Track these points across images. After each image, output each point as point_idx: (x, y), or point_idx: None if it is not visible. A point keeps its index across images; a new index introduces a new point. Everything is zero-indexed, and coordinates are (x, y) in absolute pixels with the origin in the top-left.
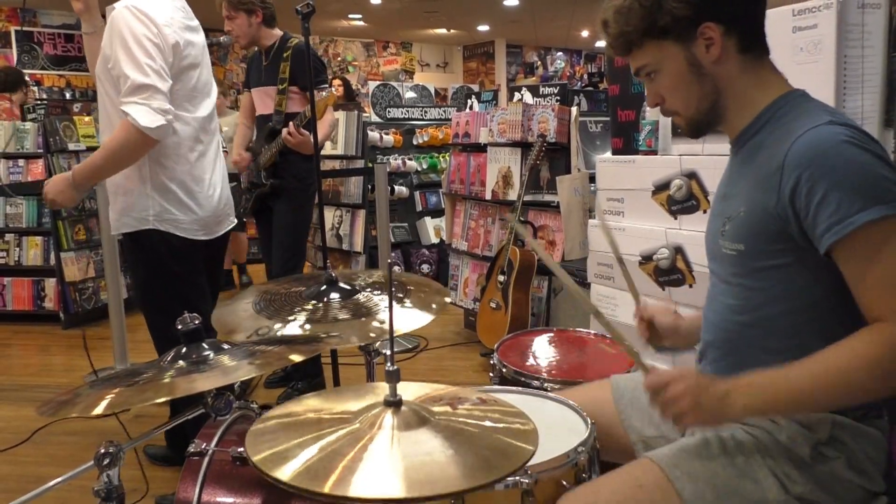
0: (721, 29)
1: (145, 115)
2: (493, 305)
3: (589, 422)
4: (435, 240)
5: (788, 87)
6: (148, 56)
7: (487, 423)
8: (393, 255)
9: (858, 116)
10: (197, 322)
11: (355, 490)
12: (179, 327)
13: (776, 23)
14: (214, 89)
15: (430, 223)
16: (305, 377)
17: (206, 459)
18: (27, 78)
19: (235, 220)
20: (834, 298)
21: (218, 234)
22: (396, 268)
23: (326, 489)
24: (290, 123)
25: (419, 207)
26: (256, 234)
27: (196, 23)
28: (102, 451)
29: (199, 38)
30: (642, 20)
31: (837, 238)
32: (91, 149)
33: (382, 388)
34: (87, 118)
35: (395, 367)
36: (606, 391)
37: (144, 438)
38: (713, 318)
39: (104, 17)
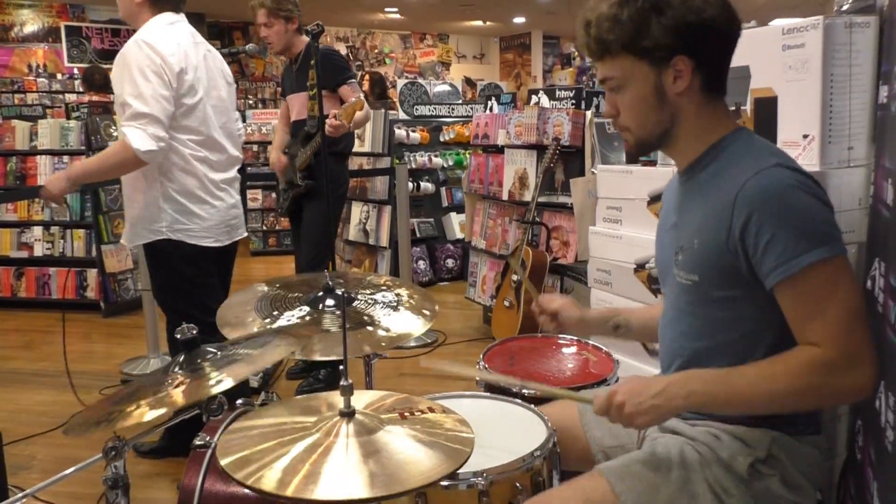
0: (692, 64)
1: (140, 139)
2: (506, 304)
3: (549, 427)
4: (460, 235)
5: (736, 125)
6: (150, 86)
7: (432, 431)
8: (418, 249)
9: (846, 134)
10: (194, 332)
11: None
12: (178, 336)
13: (767, 41)
14: (228, 104)
15: (455, 219)
16: (327, 365)
17: (210, 451)
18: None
19: (245, 233)
20: (776, 325)
21: (227, 244)
22: (422, 262)
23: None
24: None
25: (445, 203)
26: (290, 229)
27: (202, 41)
28: (110, 444)
29: (205, 57)
30: (627, 35)
31: (784, 277)
32: None
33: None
34: None
35: (350, 381)
36: (572, 404)
37: (145, 434)
38: (671, 344)
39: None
